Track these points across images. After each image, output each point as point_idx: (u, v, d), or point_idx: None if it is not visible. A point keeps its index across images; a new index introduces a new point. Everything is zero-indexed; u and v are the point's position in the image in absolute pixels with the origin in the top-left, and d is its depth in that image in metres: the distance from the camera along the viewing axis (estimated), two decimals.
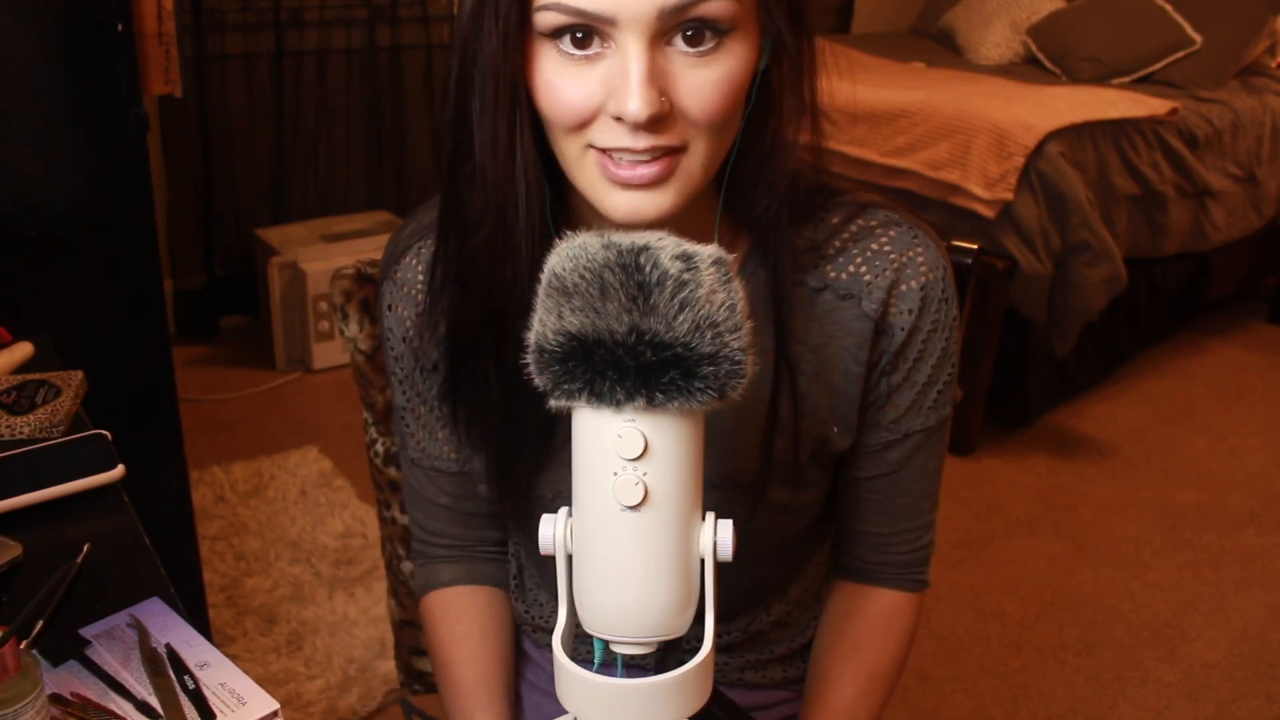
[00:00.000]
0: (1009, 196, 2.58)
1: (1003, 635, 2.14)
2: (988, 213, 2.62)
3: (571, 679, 0.62)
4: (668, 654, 0.64)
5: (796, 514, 0.90)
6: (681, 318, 0.55)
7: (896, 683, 0.96)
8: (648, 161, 0.69)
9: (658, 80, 0.67)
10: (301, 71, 3.30)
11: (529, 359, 0.58)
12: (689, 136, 0.70)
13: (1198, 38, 3.26)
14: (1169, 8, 3.34)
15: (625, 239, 0.57)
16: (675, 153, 0.70)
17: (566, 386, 0.57)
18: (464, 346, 0.83)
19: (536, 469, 0.86)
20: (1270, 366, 3.36)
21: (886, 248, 0.83)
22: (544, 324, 0.57)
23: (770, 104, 0.75)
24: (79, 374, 1.13)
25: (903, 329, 0.83)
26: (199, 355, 3.24)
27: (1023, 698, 1.99)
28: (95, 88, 1.51)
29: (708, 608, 0.63)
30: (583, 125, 0.69)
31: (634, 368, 0.56)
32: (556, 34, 0.68)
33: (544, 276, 0.58)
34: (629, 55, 0.66)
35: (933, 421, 0.88)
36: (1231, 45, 3.27)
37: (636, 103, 0.66)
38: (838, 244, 0.83)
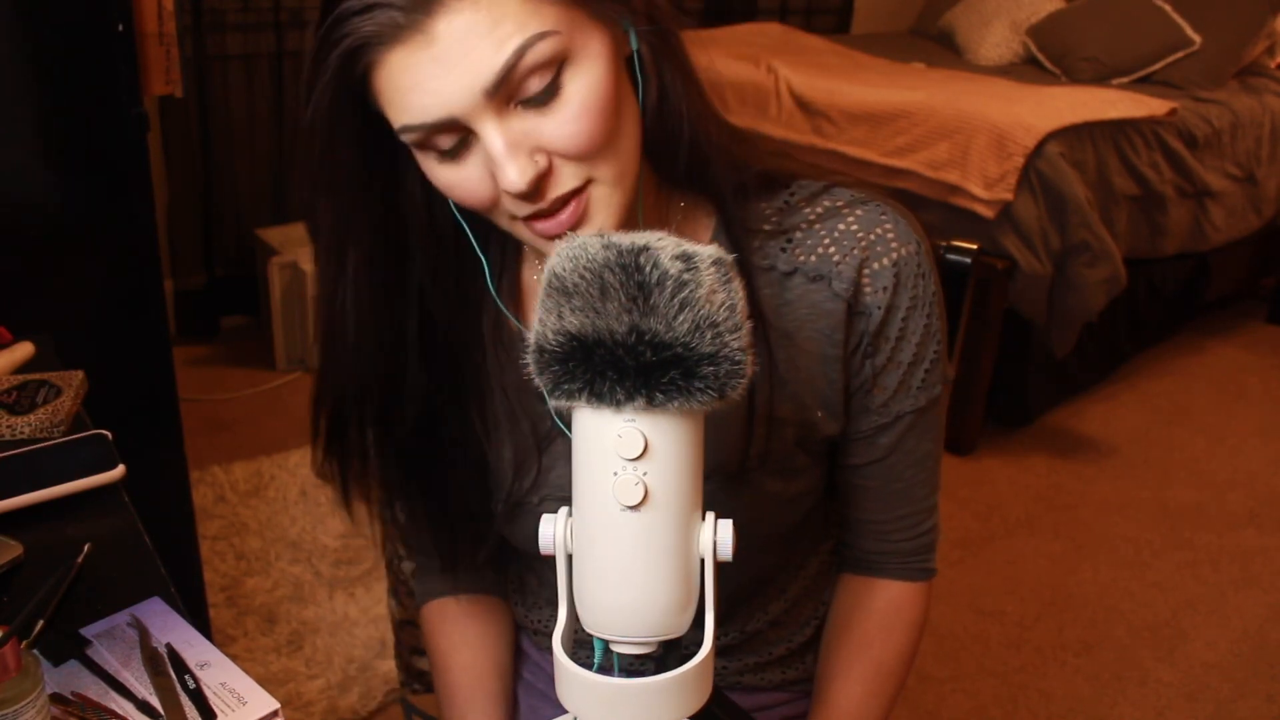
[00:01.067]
0: (1009, 197, 2.58)
1: (1002, 635, 2.15)
2: (987, 213, 2.62)
3: (572, 679, 0.62)
4: (668, 654, 0.64)
5: (791, 505, 0.89)
6: (681, 318, 0.55)
7: (906, 677, 0.96)
8: (562, 207, 0.71)
9: (525, 143, 0.69)
10: (302, 71, 3.29)
11: (529, 359, 0.58)
12: (585, 171, 0.71)
13: (1197, 38, 3.27)
14: (1168, 8, 3.34)
15: (625, 239, 0.57)
16: (584, 189, 0.72)
17: (566, 386, 0.57)
18: (337, 422, 0.86)
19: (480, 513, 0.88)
20: (1270, 366, 3.36)
21: (854, 226, 0.82)
22: (544, 324, 0.57)
23: (650, 76, 0.75)
24: (79, 374, 1.13)
25: (879, 308, 0.82)
26: (199, 355, 3.24)
27: (1022, 697, 1.99)
28: (95, 88, 1.51)
29: (708, 607, 0.63)
30: (494, 205, 0.72)
31: (634, 368, 0.56)
32: (426, 147, 0.70)
33: (544, 276, 0.58)
34: (487, 137, 0.68)
35: (923, 401, 0.87)
36: (1231, 46, 3.28)
37: (512, 175, 0.68)
38: (804, 226, 0.83)
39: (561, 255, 0.58)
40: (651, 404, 0.56)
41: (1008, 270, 2.60)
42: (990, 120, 2.64)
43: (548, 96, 0.68)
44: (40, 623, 0.80)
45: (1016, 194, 2.58)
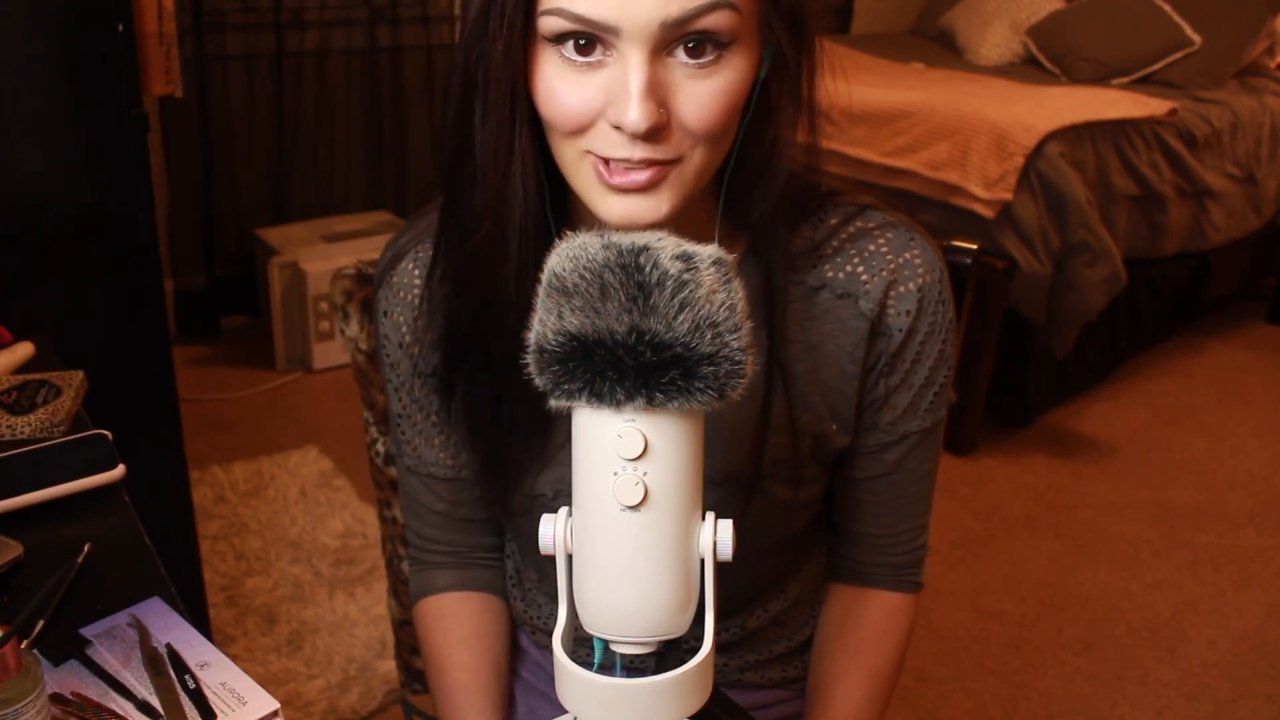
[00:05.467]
0: (1008, 197, 2.58)
1: (1002, 635, 2.15)
2: (987, 213, 2.62)
3: (571, 679, 0.62)
4: (668, 654, 0.64)
5: (797, 512, 0.90)
6: (681, 318, 0.55)
7: (896, 684, 0.97)
8: (642, 168, 0.70)
9: (657, 91, 0.68)
10: (301, 71, 3.30)
11: (529, 359, 0.58)
12: (684, 148, 0.71)
13: (1197, 38, 3.27)
14: (1169, 8, 3.34)
15: (625, 239, 0.57)
16: (670, 164, 0.71)
17: (566, 386, 0.57)
18: (459, 343, 0.84)
19: (532, 467, 0.86)
20: (1270, 366, 3.36)
21: (884, 249, 0.84)
22: (544, 324, 0.57)
23: (769, 112, 0.76)
24: (79, 374, 1.13)
25: (900, 330, 0.84)
26: (199, 355, 3.24)
27: (1022, 697, 1.99)
28: (95, 88, 1.51)
29: (708, 607, 0.63)
30: (581, 130, 0.70)
31: (634, 368, 0.56)
32: (559, 39, 0.69)
33: (544, 276, 0.58)
34: (630, 66, 0.67)
35: (929, 423, 0.89)
36: (1231, 46, 3.28)
37: (635, 114, 0.67)
38: (835, 244, 0.84)
39: (561, 255, 0.58)
40: (651, 404, 0.56)
41: (1008, 270, 2.60)
42: (990, 120, 2.64)
43: (707, 62, 0.68)
44: (41, 622, 0.80)
45: (1016, 194, 2.58)
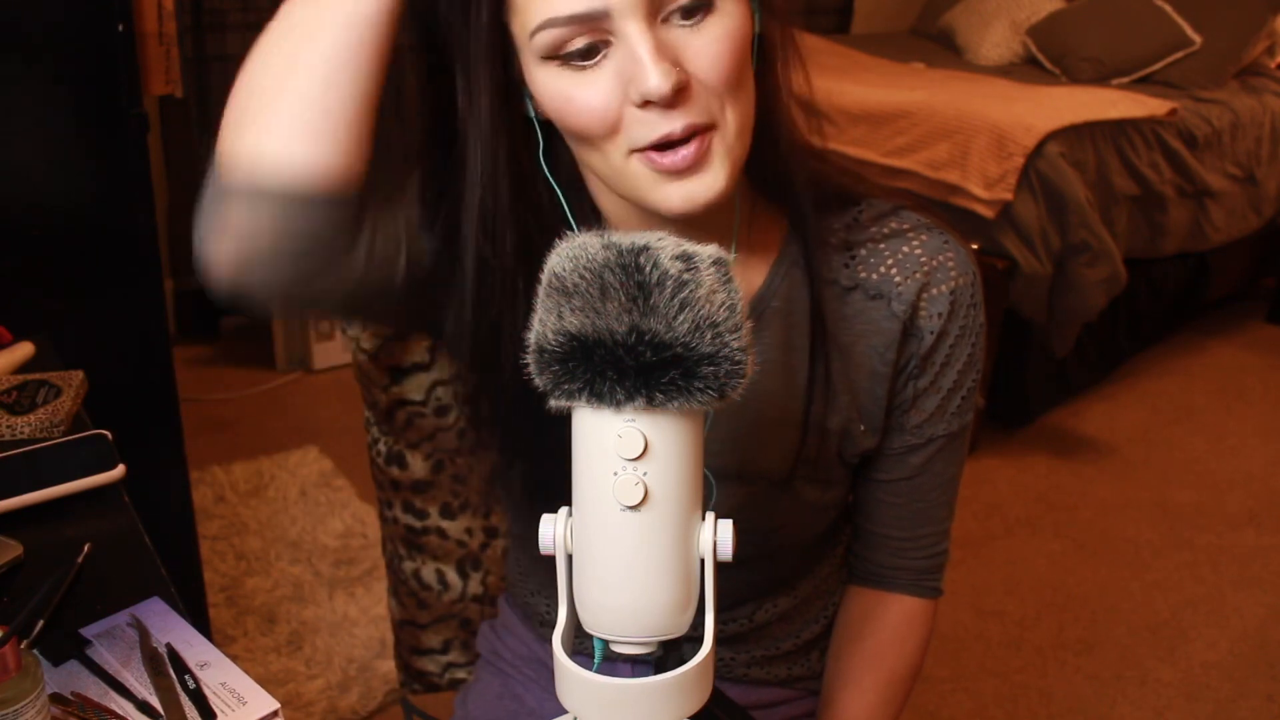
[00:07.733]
0: (1008, 197, 2.58)
1: (1002, 635, 2.15)
2: (987, 213, 2.62)
3: (571, 679, 0.62)
4: (668, 654, 0.64)
5: (823, 513, 0.91)
6: (681, 318, 0.55)
7: (911, 690, 0.97)
8: (685, 143, 0.70)
9: (668, 53, 0.68)
10: None
11: (529, 359, 0.58)
12: (714, 110, 0.71)
13: (1197, 38, 3.27)
14: (1169, 8, 3.34)
15: (625, 239, 0.57)
16: (708, 130, 0.71)
17: (566, 387, 0.57)
18: (478, 358, 0.84)
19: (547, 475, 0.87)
20: (1270, 366, 3.36)
21: (918, 251, 0.84)
22: (544, 324, 0.57)
23: (766, 65, 0.77)
24: (79, 374, 1.13)
25: (931, 333, 0.84)
26: (199, 355, 3.24)
27: (1023, 697, 1.99)
28: (95, 88, 1.51)
29: (708, 607, 0.63)
30: (614, 130, 0.71)
31: (634, 368, 0.56)
32: (564, 57, 0.69)
33: (544, 276, 0.58)
34: (633, 39, 0.68)
35: (955, 427, 0.89)
36: (1231, 46, 3.28)
37: (656, 77, 0.67)
38: (869, 244, 0.85)
39: (561, 255, 0.58)
40: (651, 404, 0.56)
41: (1008, 270, 2.60)
42: (990, 120, 2.64)
43: (701, 13, 0.69)
44: (40, 622, 0.80)
45: (1016, 194, 2.58)
